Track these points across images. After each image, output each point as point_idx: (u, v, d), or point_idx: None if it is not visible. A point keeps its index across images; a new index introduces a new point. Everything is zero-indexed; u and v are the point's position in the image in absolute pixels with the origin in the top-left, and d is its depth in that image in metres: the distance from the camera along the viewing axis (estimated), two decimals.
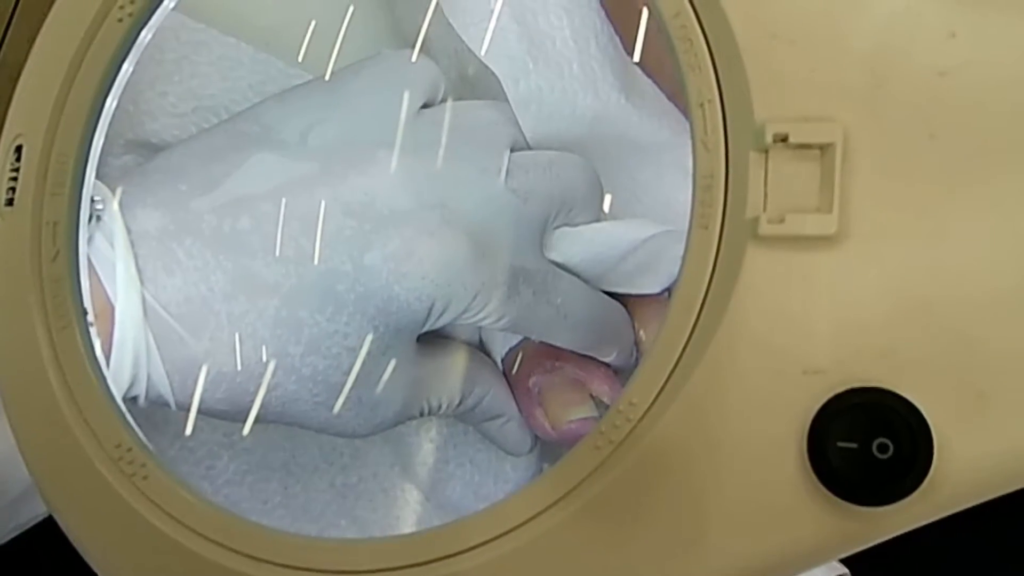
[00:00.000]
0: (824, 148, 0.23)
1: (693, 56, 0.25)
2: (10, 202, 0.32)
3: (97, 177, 0.31)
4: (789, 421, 0.23)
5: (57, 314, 0.31)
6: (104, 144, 0.31)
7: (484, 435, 0.35)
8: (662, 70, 0.33)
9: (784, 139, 0.23)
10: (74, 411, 0.30)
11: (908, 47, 0.23)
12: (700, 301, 0.24)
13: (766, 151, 0.23)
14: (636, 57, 0.33)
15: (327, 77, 0.32)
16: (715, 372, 0.23)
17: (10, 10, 0.37)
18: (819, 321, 0.23)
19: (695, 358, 0.24)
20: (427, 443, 0.37)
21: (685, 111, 0.33)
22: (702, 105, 0.25)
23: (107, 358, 0.29)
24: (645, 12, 0.29)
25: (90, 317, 0.30)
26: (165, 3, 0.32)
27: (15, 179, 0.32)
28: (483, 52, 0.31)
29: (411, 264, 0.29)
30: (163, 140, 0.35)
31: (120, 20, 0.32)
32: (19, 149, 0.32)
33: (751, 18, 0.24)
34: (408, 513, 0.36)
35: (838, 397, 0.22)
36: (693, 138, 0.25)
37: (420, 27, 0.36)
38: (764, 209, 0.23)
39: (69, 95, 0.31)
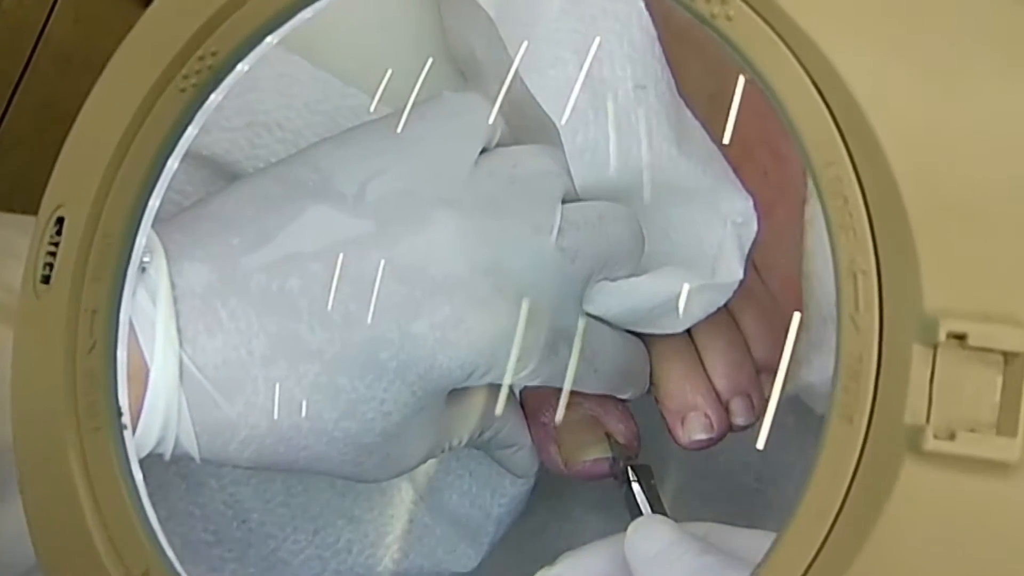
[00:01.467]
0: (1010, 356, 0.18)
1: (847, 216, 0.20)
2: (46, 279, 0.28)
3: None
4: None
5: (89, 413, 0.26)
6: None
7: (492, 459, 0.34)
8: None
9: (960, 337, 0.19)
10: (100, 528, 0.26)
11: None
12: (837, 509, 0.20)
13: (935, 347, 0.19)
14: (727, 139, 0.30)
15: (400, 124, 0.29)
16: None
17: None
18: (987, 560, 0.19)
19: None
20: None
21: (727, 155, 0.30)
22: (855, 275, 0.20)
23: (135, 421, 0.26)
24: (741, 81, 0.26)
25: (125, 419, 0.27)
26: (240, 67, 0.28)
27: (54, 254, 0.28)
28: (545, 101, 0.29)
29: (458, 333, 0.27)
30: (214, 153, 0.33)
31: (183, 90, 0.27)
32: (60, 221, 0.28)
33: (926, 181, 0.19)
34: (402, 513, 0.35)
35: None
36: (840, 310, 0.21)
37: (473, 53, 0.33)
38: (928, 418, 0.18)
39: (119, 169, 0.27)
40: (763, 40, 0.22)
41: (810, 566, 0.20)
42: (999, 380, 0.19)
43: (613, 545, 0.27)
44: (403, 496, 0.35)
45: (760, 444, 0.30)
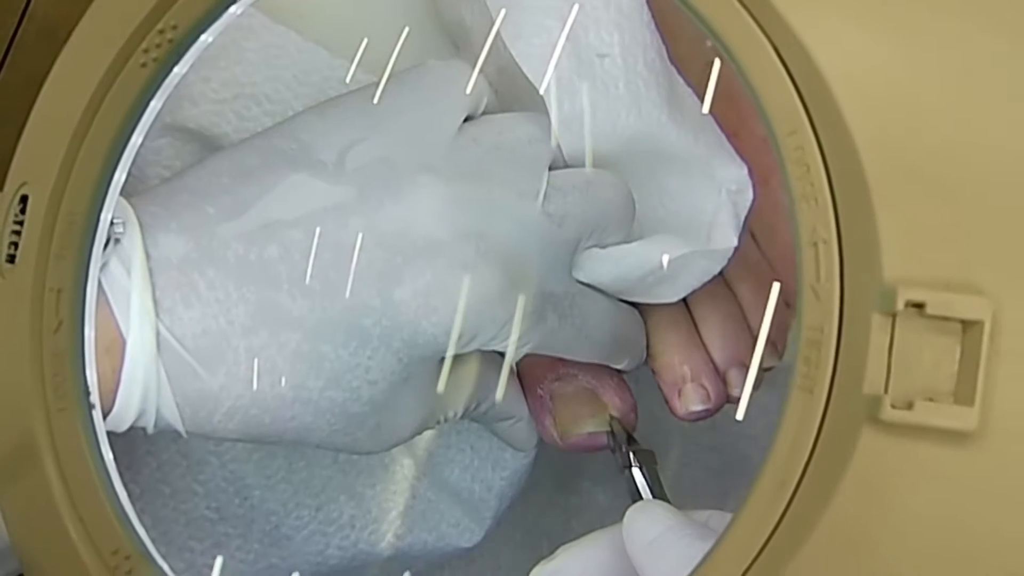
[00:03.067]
0: (968, 324, 0.18)
1: (809, 185, 0.20)
2: (11, 259, 0.27)
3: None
4: None
5: (57, 393, 0.26)
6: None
7: (491, 432, 0.34)
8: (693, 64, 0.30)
9: (918, 306, 0.19)
10: (69, 508, 0.26)
11: None
12: (796, 480, 0.20)
13: (893, 316, 0.19)
14: (706, 109, 0.30)
15: (377, 94, 0.29)
16: (811, 571, 0.19)
17: None
18: (945, 531, 0.18)
19: (787, 549, 0.19)
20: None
21: (723, 122, 0.30)
22: (816, 244, 0.20)
23: (114, 394, 0.26)
24: (717, 63, 0.25)
25: (93, 398, 0.27)
26: (203, 38, 0.28)
27: (18, 232, 0.28)
28: (530, 69, 0.28)
29: (442, 299, 0.27)
30: (200, 126, 0.33)
31: (144, 65, 0.27)
32: (24, 199, 0.28)
33: (887, 149, 0.19)
34: (404, 488, 0.35)
35: None
36: (800, 280, 0.20)
37: (462, 20, 0.32)
38: (886, 388, 0.18)
39: (81, 147, 0.27)
40: (725, 6, 0.21)
41: (771, 535, 0.20)
42: (957, 349, 0.19)
43: (612, 534, 0.27)
44: (405, 472, 0.35)
45: (740, 415, 0.31)
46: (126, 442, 0.27)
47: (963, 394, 0.18)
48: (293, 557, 0.35)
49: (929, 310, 0.18)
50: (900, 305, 0.19)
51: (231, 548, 0.34)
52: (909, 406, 0.18)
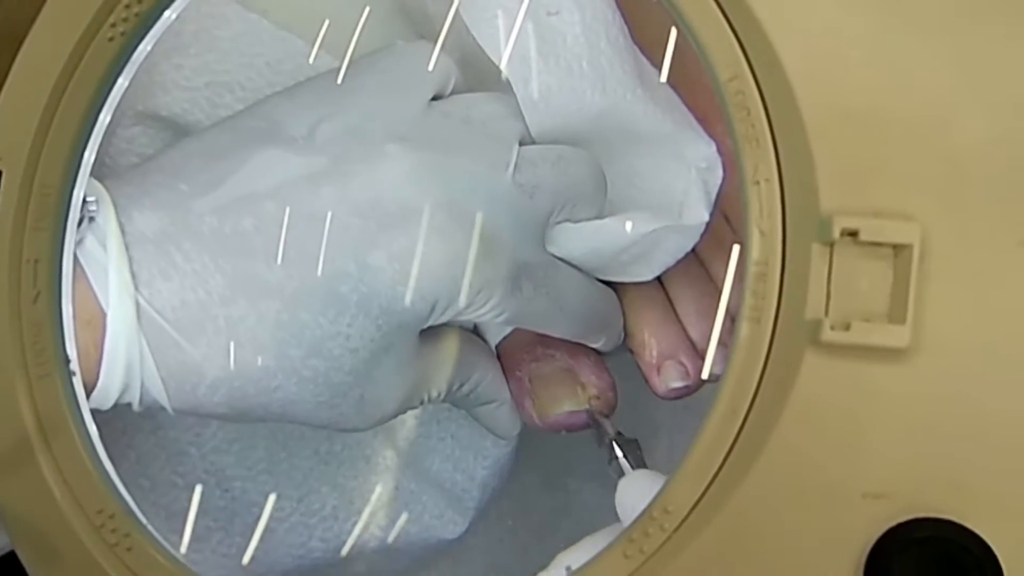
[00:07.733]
0: (899, 248, 0.20)
1: (750, 127, 0.22)
2: None
3: (102, 150, 0.28)
4: (845, 549, 0.20)
5: (37, 361, 0.27)
6: (112, 117, 0.28)
7: (474, 418, 0.35)
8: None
9: (853, 234, 0.20)
10: (54, 471, 0.27)
11: (1003, 140, 0.20)
12: (747, 405, 0.21)
13: (831, 245, 0.20)
14: (663, 77, 0.31)
15: (341, 73, 0.30)
16: (763, 486, 0.20)
17: None
18: (884, 440, 0.20)
19: (741, 468, 0.21)
20: (411, 417, 0.36)
21: (693, 104, 0.31)
22: (758, 183, 0.22)
23: (97, 367, 0.27)
24: (674, 32, 0.27)
25: (73, 365, 0.28)
26: (167, 15, 0.29)
27: None
28: (493, 51, 0.29)
29: (416, 264, 0.28)
30: (173, 113, 0.33)
31: (111, 39, 0.28)
32: None
33: (821, 91, 0.21)
34: (387, 479, 0.36)
35: (902, 527, 0.20)
36: (746, 218, 0.22)
37: (424, 8, 0.33)
38: (826, 312, 0.20)
39: (53, 120, 0.28)
40: None
41: (725, 459, 0.21)
42: (890, 272, 0.20)
43: (607, 535, 0.27)
44: (387, 463, 0.36)
45: (705, 374, 0.32)
46: (104, 435, 0.28)
47: (896, 314, 0.20)
48: (276, 550, 0.35)
49: (863, 236, 0.20)
50: (837, 234, 0.20)
51: (212, 541, 0.35)
52: (847, 327, 0.20)
